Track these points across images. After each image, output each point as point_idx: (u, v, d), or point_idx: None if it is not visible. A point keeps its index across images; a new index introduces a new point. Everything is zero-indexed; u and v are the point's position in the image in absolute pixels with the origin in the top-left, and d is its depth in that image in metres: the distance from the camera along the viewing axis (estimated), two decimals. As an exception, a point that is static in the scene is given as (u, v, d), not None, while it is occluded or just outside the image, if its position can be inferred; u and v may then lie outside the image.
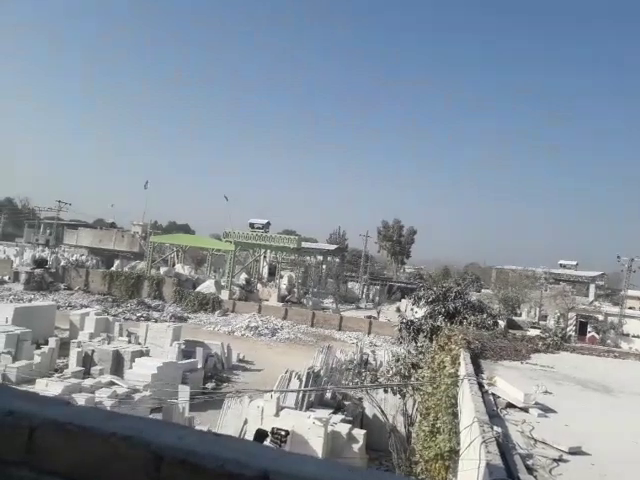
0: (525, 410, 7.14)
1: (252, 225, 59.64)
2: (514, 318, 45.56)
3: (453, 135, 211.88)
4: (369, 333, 42.23)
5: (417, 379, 12.74)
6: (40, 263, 52.65)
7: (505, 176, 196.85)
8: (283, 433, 13.18)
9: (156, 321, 36.20)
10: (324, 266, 69.42)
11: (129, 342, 24.31)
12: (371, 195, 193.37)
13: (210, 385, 21.00)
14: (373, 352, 22.43)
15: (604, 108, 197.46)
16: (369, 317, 46.58)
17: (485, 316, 17.84)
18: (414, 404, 14.16)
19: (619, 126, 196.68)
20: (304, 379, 16.11)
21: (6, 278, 50.03)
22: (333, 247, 71.32)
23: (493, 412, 6.85)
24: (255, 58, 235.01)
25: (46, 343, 22.83)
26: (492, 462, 4.46)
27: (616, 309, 45.86)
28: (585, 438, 6.24)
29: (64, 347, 22.47)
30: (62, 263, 55.77)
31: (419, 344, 15.80)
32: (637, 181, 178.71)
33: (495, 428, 5.38)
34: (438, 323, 16.73)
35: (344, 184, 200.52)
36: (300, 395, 15.39)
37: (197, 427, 13.31)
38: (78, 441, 1.07)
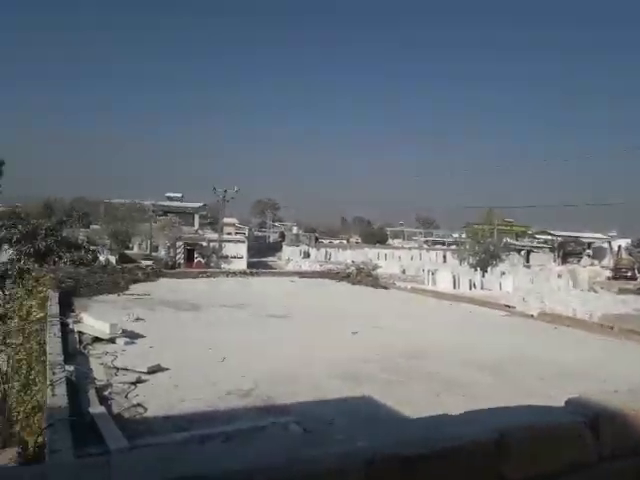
0: (112, 341, 7.12)
1: None
2: (127, 252, 45.66)
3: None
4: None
5: (5, 332, 11.18)
6: None
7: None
8: None
9: None
10: None
11: None
12: None
13: None
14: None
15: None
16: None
17: (83, 252, 17.02)
18: (8, 359, 12.59)
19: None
20: None
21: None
22: None
23: (76, 350, 6.56)
24: None
25: None
26: (56, 405, 4.18)
27: (216, 235, 51.74)
28: (168, 355, 6.69)
29: None
30: None
31: (7, 292, 13.82)
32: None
33: (67, 367, 5.10)
34: (28, 266, 14.92)
35: None
36: None
37: None
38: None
